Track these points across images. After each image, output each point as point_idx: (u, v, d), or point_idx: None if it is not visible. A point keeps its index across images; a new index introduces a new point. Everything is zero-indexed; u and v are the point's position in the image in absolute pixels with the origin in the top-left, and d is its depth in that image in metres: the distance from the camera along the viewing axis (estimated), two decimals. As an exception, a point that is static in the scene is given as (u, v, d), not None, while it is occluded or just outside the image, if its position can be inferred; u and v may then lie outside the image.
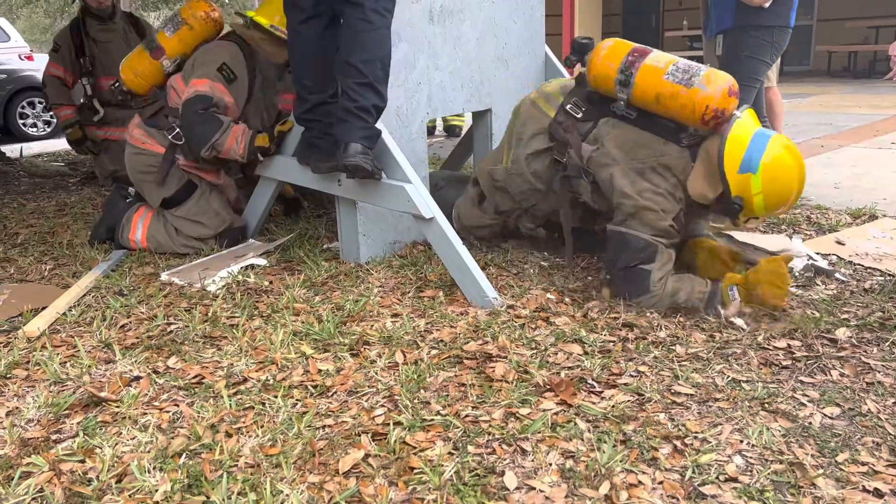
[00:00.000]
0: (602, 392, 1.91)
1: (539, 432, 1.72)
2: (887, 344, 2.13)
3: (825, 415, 1.77)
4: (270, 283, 2.88)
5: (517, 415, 1.80)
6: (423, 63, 3.15)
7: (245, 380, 2.07)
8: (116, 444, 1.76)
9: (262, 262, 3.14)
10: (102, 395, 1.98)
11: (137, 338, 2.39)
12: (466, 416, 1.81)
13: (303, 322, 2.43)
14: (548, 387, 1.94)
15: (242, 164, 3.44)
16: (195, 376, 2.10)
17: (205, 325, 2.45)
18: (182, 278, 2.99)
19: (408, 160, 2.84)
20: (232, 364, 2.16)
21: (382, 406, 1.88)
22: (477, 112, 3.57)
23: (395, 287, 2.75)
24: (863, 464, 1.58)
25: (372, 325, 2.39)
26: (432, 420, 1.79)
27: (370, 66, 2.58)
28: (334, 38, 2.72)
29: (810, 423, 1.74)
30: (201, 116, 3.12)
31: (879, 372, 1.96)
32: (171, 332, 2.43)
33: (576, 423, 1.76)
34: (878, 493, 1.48)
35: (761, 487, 1.50)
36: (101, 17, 4.85)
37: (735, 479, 1.53)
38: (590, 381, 1.96)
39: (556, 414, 1.80)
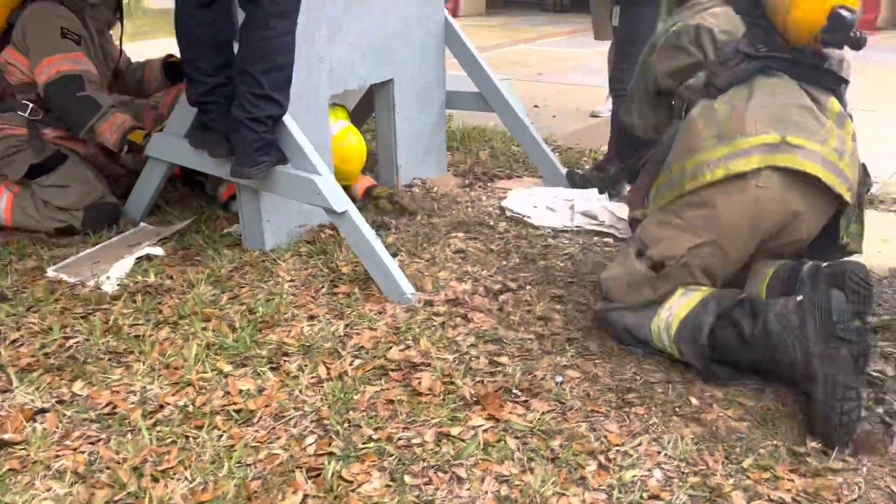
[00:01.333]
0: (527, 401, 1.98)
1: (472, 455, 1.77)
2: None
3: (730, 416, 1.91)
4: (172, 279, 2.75)
5: (449, 435, 1.84)
6: (323, 36, 3.01)
7: (162, 406, 1.99)
8: (32, 498, 1.66)
9: (159, 251, 2.98)
10: (6, 436, 1.85)
11: (33, 356, 2.24)
12: (399, 439, 1.83)
13: (214, 331, 2.34)
14: (475, 399, 1.98)
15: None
16: (107, 404, 2.00)
17: (107, 339, 2.32)
18: (71, 274, 2.80)
19: (312, 144, 2.74)
20: (145, 388, 2.07)
21: (312, 433, 1.87)
22: (378, 83, 3.46)
23: (306, 281, 2.70)
24: (766, 469, 1.73)
25: (289, 332, 2.34)
26: (366, 448, 1.80)
27: (269, 77, 2.47)
28: (229, 19, 2.55)
29: (717, 427, 1.87)
30: (77, 99, 2.92)
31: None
32: (71, 347, 2.28)
33: (506, 442, 1.82)
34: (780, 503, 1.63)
35: (683, 502, 1.62)
36: None
37: (657, 497, 1.64)
38: (514, 390, 2.02)
39: (485, 431, 1.86)
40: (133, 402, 2.01)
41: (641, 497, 1.64)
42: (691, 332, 2.00)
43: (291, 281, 2.70)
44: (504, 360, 2.17)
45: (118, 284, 2.71)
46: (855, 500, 1.63)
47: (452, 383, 2.05)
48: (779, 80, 2.09)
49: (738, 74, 2.12)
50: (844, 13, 1.95)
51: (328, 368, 2.14)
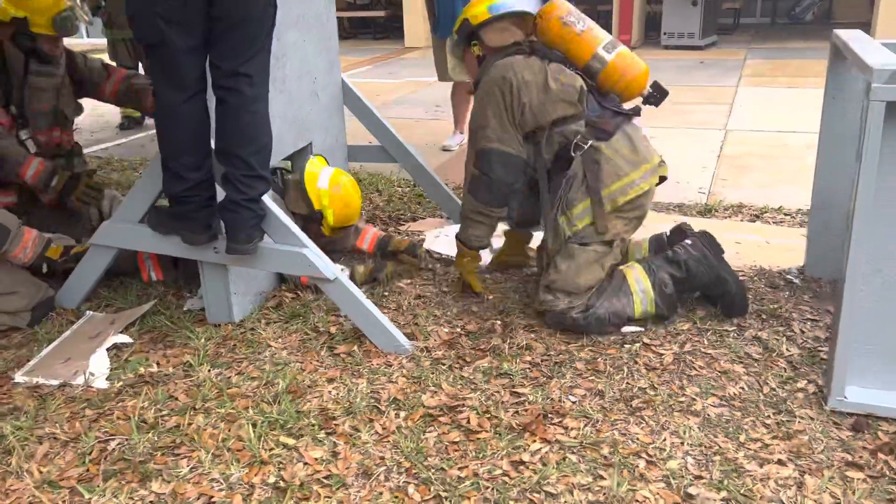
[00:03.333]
0: (561, 421, 2.39)
1: (551, 474, 2.14)
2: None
3: (712, 405, 2.47)
4: (160, 365, 2.79)
5: (523, 462, 2.20)
6: (263, 113, 3.18)
7: (252, 486, 2.13)
8: None
9: (126, 339, 2.97)
10: (124, 547, 1.91)
11: (81, 466, 2.23)
12: (484, 473, 2.15)
13: (254, 409, 2.47)
14: (521, 427, 2.35)
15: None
16: (198, 497, 2.10)
17: (147, 435, 2.36)
18: (48, 377, 2.73)
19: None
20: (224, 474, 2.18)
21: (408, 483, 2.13)
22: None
23: (301, 347, 2.88)
24: (756, 440, 2.29)
25: (321, 397, 2.54)
26: (463, 486, 2.10)
27: (258, 157, 2.65)
28: (206, 108, 2.67)
29: (708, 415, 2.42)
30: None
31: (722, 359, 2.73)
32: (114, 450, 2.30)
33: (568, 458, 2.22)
34: (780, 462, 2.20)
35: (720, 478, 2.13)
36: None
37: (701, 477, 2.14)
38: (548, 413, 2.42)
39: (548, 452, 2.24)
40: (223, 489, 2.12)
41: (691, 480, 2.12)
42: (660, 294, 2.92)
43: (286, 349, 2.87)
44: (521, 390, 2.56)
45: (107, 379, 2.70)
46: (822, 449, 2.25)
47: (495, 417, 2.41)
48: (632, 125, 3.00)
49: (616, 124, 2.94)
50: (660, 85, 3.02)
51: (380, 424, 2.39)
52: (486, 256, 3.69)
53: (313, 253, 2.82)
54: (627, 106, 3.04)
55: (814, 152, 3.22)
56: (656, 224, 4.01)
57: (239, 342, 2.93)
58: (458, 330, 2.98)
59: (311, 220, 3.38)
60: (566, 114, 2.90)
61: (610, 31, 11.91)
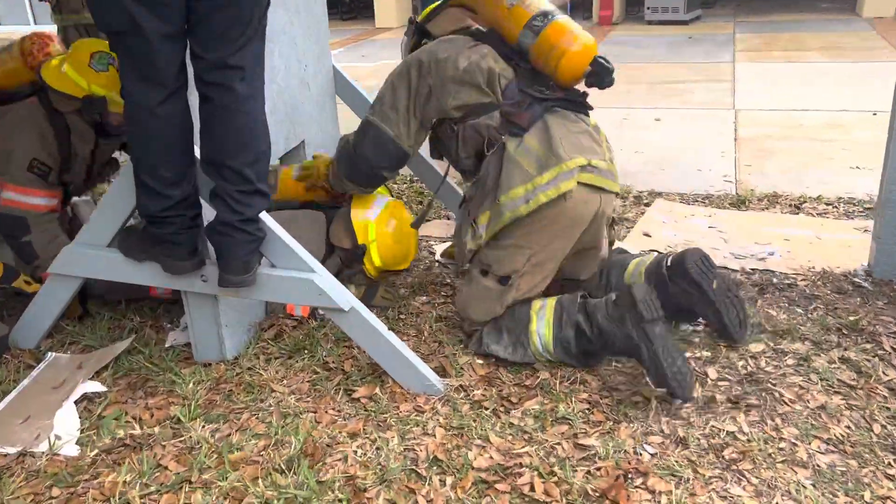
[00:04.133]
0: (645, 483, 1.96)
1: (651, 561, 1.72)
2: (791, 358, 2.52)
3: (819, 451, 2.07)
4: (142, 421, 2.30)
5: (612, 543, 1.77)
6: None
7: None
8: None
9: (99, 387, 2.47)
10: None
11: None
12: (567, 563, 1.72)
13: (263, 480, 2.00)
14: (598, 493, 1.92)
15: None
16: None
17: (133, 524, 1.88)
18: (1, 443, 2.22)
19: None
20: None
21: (474, 582, 1.69)
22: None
23: (311, 391, 2.40)
24: (882, 498, 1.90)
25: (345, 461, 2.08)
26: (545, 584, 1.67)
27: (256, 168, 2.16)
28: (188, 110, 2.16)
29: (819, 465, 2.01)
30: None
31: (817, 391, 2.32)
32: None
33: (665, 535, 1.79)
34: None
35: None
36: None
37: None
38: (627, 473, 1.99)
39: (637, 528, 1.81)
40: None
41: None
42: (564, 350, 2.41)
43: (293, 393, 2.40)
44: (586, 440, 2.12)
45: (78, 444, 2.20)
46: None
47: (564, 481, 1.97)
48: (561, 115, 2.47)
49: (535, 115, 2.44)
50: (604, 62, 2.46)
51: (423, 496, 1.94)
52: (438, 249, 3.39)
53: (323, 279, 2.34)
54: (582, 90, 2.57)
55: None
56: (686, 220, 3.61)
57: (236, 386, 2.44)
58: (493, 360, 2.53)
59: (353, 259, 2.84)
60: (471, 101, 2.48)
61: (590, 8, 11.46)
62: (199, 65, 2.06)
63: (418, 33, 2.79)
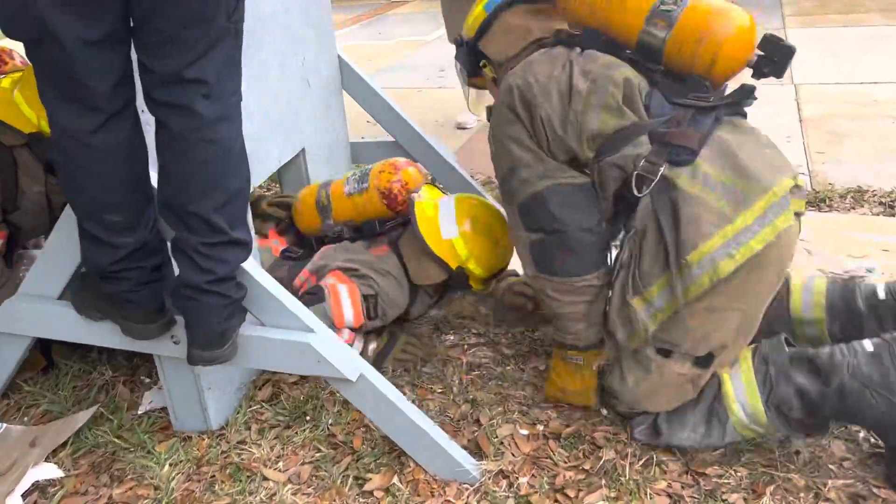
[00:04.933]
0: None
1: None
2: None
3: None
4: (103, 522, 1.83)
5: None
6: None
7: None
8: None
9: (55, 472, 2.01)
10: None
11: None
12: None
13: None
14: None
15: None
16: None
17: None
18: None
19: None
20: None
21: None
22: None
23: (311, 479, 1.92)
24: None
25: (355, 592, 1.59)
26: None
27: (227, 212, 1.64)
28: (142, 138, 1.65)
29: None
30: None
31: None
32: None
33: None
34: None
35: None
36: None
37: None
38: None
39: None
40: None
41: None
42: (781, 417, 1.75)
43: (290, 482, 1.91)
44: (671, 556, 1.62)
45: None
46: None
47: None
48: (731, 125, 1.84)
49: (704, 131, 1.80)
50: (775, 39, 1.83)
51: None
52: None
53: (323, 341, 1.83)
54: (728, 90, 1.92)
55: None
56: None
57: (220, 470, 1.96)
58: (541, 429, 2.02)
59: (455, 284, 2.36)
60: (605, 128, 1.83)
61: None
62: (148, 79, 1.54)
63: (471, 55, 2.17)
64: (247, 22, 1.75)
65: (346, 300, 2.19)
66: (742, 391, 1.78)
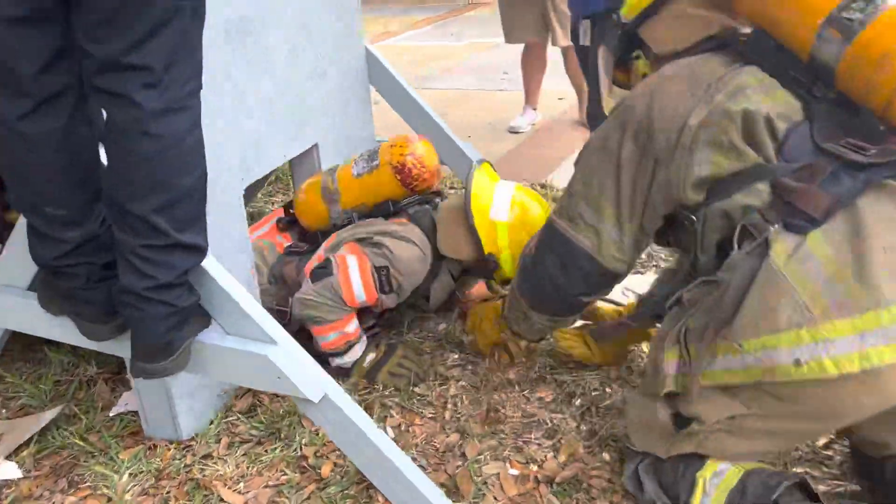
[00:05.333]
0: None
1: None
2: None
3: None
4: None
5: None
6: (227, 107, 2.01)
7: None
8: None
9: (14, 472, 1.90)
10: None
11: None
12: None
13: None
14: None
15: None
16: None
17: None
18: None
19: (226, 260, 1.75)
20: None
21: None
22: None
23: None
24: None
25: None
26: None
27: (172, 213, 1.47)
28: (87, 124, 1.50)
29: None
30: None
31: None
32: None
33: None
34: None
35: None
36: None
37: None
38: None
39: None
40: None
41: None
42: None
43: (247, 507, 1.74)
44: None
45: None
46: None
47: None
48: (893, 195, 1.36)
49: (840, 194, 1.36)
50: None
51: None
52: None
53: (283, 354, 1.65)
54: None
55: None
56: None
57: (178, 487, 1.81)
58: (535, 470, 1.78)
59: (478, 270, 2.25)
60: (717, 172, 1.47)
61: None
62: (87, 64, 1.39)
63: (625, 40, 1.79)
64: (255, 6, 1.58)
65: (354, 272, 2.05)
66: (715, 486, 1.49)
